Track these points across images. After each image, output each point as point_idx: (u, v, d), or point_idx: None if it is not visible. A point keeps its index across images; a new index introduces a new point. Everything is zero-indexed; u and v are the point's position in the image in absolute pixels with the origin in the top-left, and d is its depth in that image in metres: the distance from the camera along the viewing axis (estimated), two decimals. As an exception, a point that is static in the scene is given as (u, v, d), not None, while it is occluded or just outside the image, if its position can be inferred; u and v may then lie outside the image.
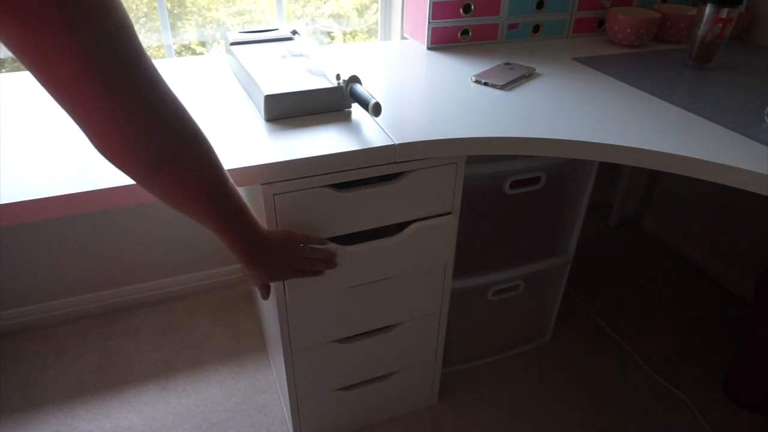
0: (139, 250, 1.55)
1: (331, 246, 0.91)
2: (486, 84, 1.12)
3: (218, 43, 1.45)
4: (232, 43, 1.13)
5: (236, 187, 0.70)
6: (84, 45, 0.46)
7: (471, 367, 1.45)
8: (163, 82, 0.55)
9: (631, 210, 2.11)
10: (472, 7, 1.32)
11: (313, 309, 1.01)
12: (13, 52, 0.46)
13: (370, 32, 1.59)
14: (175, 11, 1.38)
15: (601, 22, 1.48)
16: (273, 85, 0.93)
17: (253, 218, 0.73)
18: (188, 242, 1.59)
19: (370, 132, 0.90)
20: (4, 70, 1.31)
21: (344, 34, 1.57)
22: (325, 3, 1.51)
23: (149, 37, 1.38)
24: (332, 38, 1.57)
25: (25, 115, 0.93)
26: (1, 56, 1.29)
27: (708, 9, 1.17)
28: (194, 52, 1.45)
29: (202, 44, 1.45)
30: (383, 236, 0.97)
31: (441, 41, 1.35)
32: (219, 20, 1.43)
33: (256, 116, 0.95)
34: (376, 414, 1.28)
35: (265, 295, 0.86)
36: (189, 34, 1.42)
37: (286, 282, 0.93)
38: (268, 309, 1.14)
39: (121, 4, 0.49)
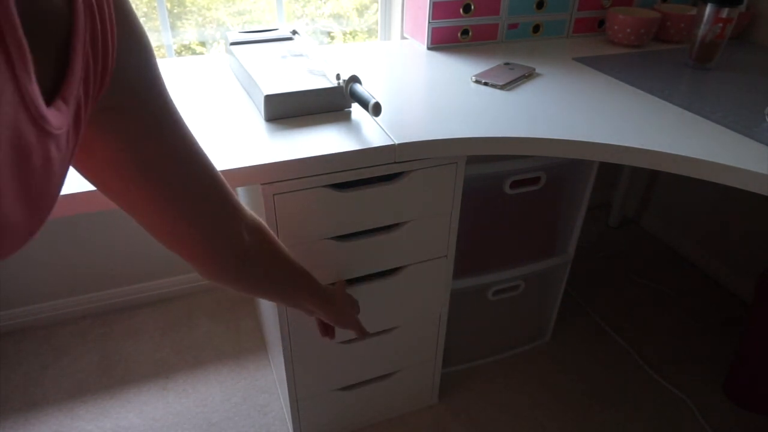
0: (139, 250, 1.55)
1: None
2: (486, 84, 1.12)
3: (218, 43, 1.45)
4: (232, 43, 1.13)
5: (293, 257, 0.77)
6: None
7: (471, 367, 1.45)
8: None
9: (631, 210, 2.11)
10: (472, 7, 1.32)
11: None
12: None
13: (370, 32, 1.59)
14: (175, 11, 1.38)
15: (601, 22, 1.48)
16: (273, 85, 0.93)
17: (324, 286, 0.85)
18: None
19: (370, 132, 0.90)
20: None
21: (344, 34, 1.57)
22: (325, 3, 1.50)
23: (149, 37, 1.38)
24: (332, 38, 1.57)
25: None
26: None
27: (708, 9, 1.17)
28: (194, 52, 1.45)
29: (202, 44, 1.45)
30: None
31: (441, 41, 1.35)
32: (219, 20, 1.43)
33: (256, 116, 0.95)
34: (376, 414, 1.28)
35: (364, 332, 0.98)
36: (189, 34, 1.42)
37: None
38: (268, 310, 1.14)
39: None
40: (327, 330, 0.99)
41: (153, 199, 0.49)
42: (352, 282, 1.01)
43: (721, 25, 1.17)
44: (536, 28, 1.42)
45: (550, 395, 1.39)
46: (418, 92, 1.09)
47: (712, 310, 1.68)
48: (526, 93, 1.09)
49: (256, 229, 0.65)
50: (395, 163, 0.89)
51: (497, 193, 1.15)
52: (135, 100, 0.43)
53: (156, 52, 1.40)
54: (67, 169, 0.36)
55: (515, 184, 1.15)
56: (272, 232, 0.70)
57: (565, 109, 1.01)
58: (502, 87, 1.11)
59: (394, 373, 1.21)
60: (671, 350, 1.53)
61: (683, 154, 0.85)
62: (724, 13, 1.16)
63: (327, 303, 0.85)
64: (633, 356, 1.51)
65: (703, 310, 1.68)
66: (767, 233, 1.60)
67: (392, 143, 0.87)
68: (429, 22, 1.31)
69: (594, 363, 1.49)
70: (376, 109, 0.87)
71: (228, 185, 0.58)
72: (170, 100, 0.48)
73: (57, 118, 0.30)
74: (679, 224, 1.92)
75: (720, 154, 0.84)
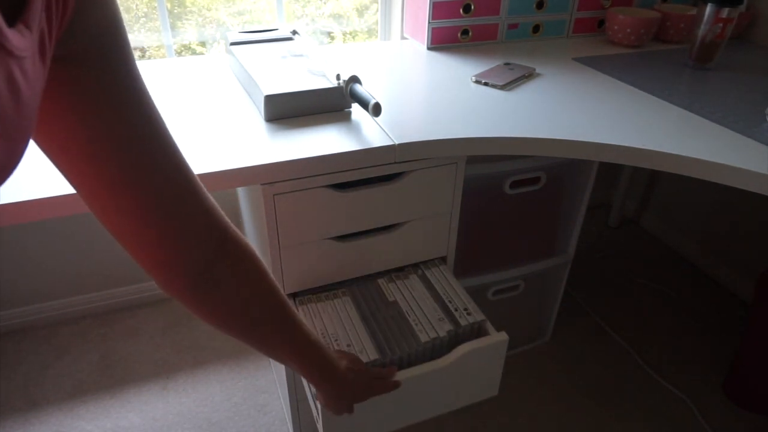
0: (139, 250, 1.54)
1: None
2: (486, 84, 1.12)
3: (218, 43, 1.45)
4: (232, 43, 1.13)
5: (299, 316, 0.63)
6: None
7: (471, 367, 1.45)
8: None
9: (631, 210, 2.11)
10: (472, 7, 1.32)
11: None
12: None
13: (370, 32, 1.59)
14: (175, 11, 1.38)
15: (601, 22, 1.48)
16: (273, 85, 0.93)
17: (327, 351, 0.67)
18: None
19: (370, 132, 0.90)
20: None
21: (344, 34, 1.57)
22: (325, 3, 1.51)
23: (149, 37, 1.38)
24: (332, 38, 1.57)
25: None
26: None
27: (708, 9, 1.17)
28: (194, 52, 1.45)
29: (202, 44, 1.45)
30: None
31: (441, 41, 1.35)
32: (219, 20, 1.43)
33: (256, 116, 0.95)
34: (376, 414, 1.27)
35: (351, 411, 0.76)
36: (189, 34, 1.42)
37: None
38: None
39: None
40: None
41: (106, 183, 0.43)
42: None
43: (721, 25, 1.17)
44: (536, 28, 1.42)
45: (550, 395, 1.39)
46: (418, 92, 1.09)
47: (712, 310, 1.68)
48: (526, 93, 1.09)
49: (237, 245, 0.54)
50: (395, 163, 0.89)
51: (497, 193, 1.15)
52: (95, 53, 0.39)
53: (156, 52, 1.40)
54: (35, 105, 0.34)
55: (515, 184, 1.15)
56: (259, 258, 0.57)
57: (565, 109, 1.01)
58: (502, 87, 1.11)
59: (394, 373, 1.20)
60: (671, 350, 1.53)
61: (683, 154, 0.85)
62: (724, 13, 1.16)
63: (324, 379, 0.67)
64: (633, 356, 1.51)
65: (703, 310, 1.68)
66: (767, 233, 1.60)
67: (392, 143, 0.87)
68: (429, 22, 1.31)
69: (594, 363, 1.49)
70: (376, 110, 0.87)
71: (206, 193, 0.50)
72: (137, 75, 0.43)
73: (19, 40, 0.30)
74: (679, 224, 1.92)
75: (720, 154, 0.84)
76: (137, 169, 0.43)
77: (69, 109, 0.39)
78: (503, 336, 0.88)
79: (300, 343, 0.63)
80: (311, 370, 0.66)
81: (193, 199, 0.48)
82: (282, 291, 0.60)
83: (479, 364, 0.88)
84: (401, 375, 0.80)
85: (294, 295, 0.97)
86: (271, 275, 0.58)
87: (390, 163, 0.89)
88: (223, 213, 0.52)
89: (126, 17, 1.33)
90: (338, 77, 0.94)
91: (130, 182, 0.43)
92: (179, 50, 1.43)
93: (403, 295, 0.96)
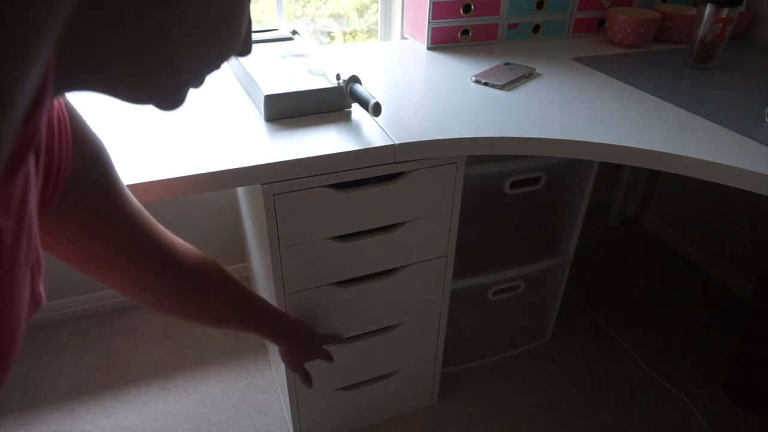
0: (139, 250, 1.54)
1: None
2: (486, 84, 1.12)
3: (218, 43, 1.45)
4: (232, 43, 1.13)
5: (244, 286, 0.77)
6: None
7: (471, 367, 1.45)
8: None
9: (631, 210, 2.11)
10: (472, 7, 1.32)
11: (313, 309, 1.01)
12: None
13: (370, 32, 1.59)
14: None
15: (601, 22, 1.48)
16: (273, 85, 0.93)
17: (273, 309, 0.83)
18: (188, 241, 1.59)
19: (370, 132, 0.90)
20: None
21: (344, 34, 1.57)
22: (325, 3, 1.50)
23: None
24: (332, 38, 1.57)
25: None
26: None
27: (708, 9, 1.17)
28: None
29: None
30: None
31: (441, 41, 1.35)
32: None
33: (256, 116, 0.95)
34: (376, 414, 1.28)
35: (309, 383, 0.98)
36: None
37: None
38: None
39: None
40: (306, 377, 0.98)
41: (96, 267, 0.54)
42: (352, 282, 1.01)
43: (721, 25, 1.17)
44: (536, 28, 1.42)
45: (550, 395, 1.39)
46: (418, 92, 1.09)
47: (712, 310, 1.68)
48: (526, 93, 1.09)
49: (194, 265, 0.67)
50: (395, 163, 0.89)
51: (497, 193, 1.15)
52: (89, 192, 0.48)
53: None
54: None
55: (515, 184, 1.15)
56: (219, 265, 0.73)
57: (565, 109, 1.01)
58: (502, 87, 1.11)
59: (394, 373, 1.21)
60: (671, 350, 1.53)
61: (683, 154, 0.85)
62: (724, 13, 1.16)
63: (282, 334, 0.85)
64: (633, 356, 1.51)
65: (703, 310, 1.68)
66: (767, 233, 1.60)
67: (392, 143, 0.87)
68: (429, 22, 1.31)
69: (594, 363, 1.49)
70: (376, 109, 0.87)
71: (164, 237, 0.61)
72: (123, 189, 0.53)
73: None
74: (679, 224, 1.92)
75: (720, 154, 0.84)
76: (126, 257, 0.56)
77: (68, 235, 0.49)
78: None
79: (264, 316, 0.80)
80: (274, 332, 0.84)
81: (159, 252, 0.60)
82: (239, 283, 0.75)
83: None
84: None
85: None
86: (230, 274, 0.74)
87: (390, 163, 0.89)
88: (178, 243, 0.65)
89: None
90: (338, 77, 0.94)
91: (120, 264, 0.56)
92: (179, 50, 1.43)
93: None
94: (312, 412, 1.17)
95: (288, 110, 0.93)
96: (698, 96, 1.07)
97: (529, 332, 1.51)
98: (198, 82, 0.35)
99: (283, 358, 0.94)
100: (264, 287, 1.11)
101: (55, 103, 0.40)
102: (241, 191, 1.19)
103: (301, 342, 0.91)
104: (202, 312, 0.71)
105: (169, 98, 0.34)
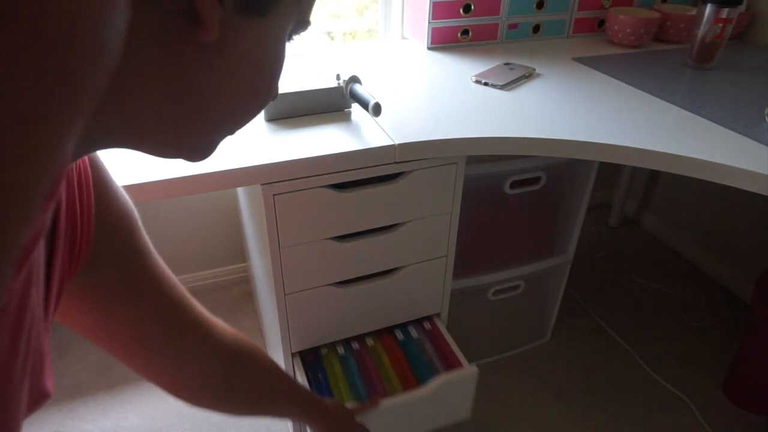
0: (139, 250, 1.54)
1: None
2: (486, 84, 1.12)
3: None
4: (232, 43, 1.13)
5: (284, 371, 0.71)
6: None
7: (471, 367, 1.45)
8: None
9: (631, 210, 2.11)
10: (472, 7, 1.32)
11: (313, 309, 1.01)
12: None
13: (370, 32, 1.59)
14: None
15: (601, 22, 1.48)
16: (273, 85, 0.93)
17: (311, 395, 0.76)
18: (188, 242, 1.59)
19: (370, 132, 0.90)
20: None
21: (344, 34, 1.57)
22: (325, 3, 1.51)
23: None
24: (332, 38, 1.57)
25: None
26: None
27: (708, 9, 1.17)
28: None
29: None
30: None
31: (441, 41, 1.35)
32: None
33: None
34: (376, 414, 1.27)
35: None
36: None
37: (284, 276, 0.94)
38: (268, 309, 1.14)
39: None
40: None
41: (129, 351, 0.51)
42: (352, 282, 1.01)
43: (721, 25, 1.17)
44: (536, 28, 1.42)
45: (550, 395, 1.39)
46: (418, 92, 1.09)
47: (712, 310, 1.68)
48: (526, 93, 1.09)
49: (241, 354, 0.60)
50: (395, 163, 0.89)
51: (497, 193, 1.15)
52: (119, 262, 0.44)
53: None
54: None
55: (515, 184, 1.15)
56: (257, 347, 0.64)
57: (565, 109, 1.01)
58: (502, 87, 1.11)
59: (394, 373, 1.20)
60: (671, 350, 1.53)
61: (683, 154, 0.85)
62: (724, 13, 1.16)
63: (315, 419, 0.76)
64: (633, 356, 1.51)
65: (703, 310, 1.68)
66: (767, 233, 1.60)
67: (392, 143, 0.87)
68: (429, 22, 1.31)
69: (594, 363, 1.49)
70: (376, 110, 0.87)
71: (207, 320, 0.55)
72: (153, 256, 0.47)
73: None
74: (679, 224, 1.92)
75: (720, 154, 0.84)
76: (162, 334, 0.50)
77: (93, 310, 0.44)
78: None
79: (301, 401, 0.72)
80: (309, 414, 0.74)
81: (197, 337, 0.54)
82: (280, 366, 0.68)
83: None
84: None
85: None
86: (269, 357, 0.66)
87: (390, 163, 0.89)
88: (223, 328, 0.58)
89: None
90: (338, 77, 0.94)
91: (155, 342, 0.51)
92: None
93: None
94: (312, 412, 1.17)
95: (288, 110, 0.93)
96: (698, 96, 1.07)
97: (529, 332, 1.51)
98: (232, 132, 0.34)
99: None
100: (264, 287, 1.11)
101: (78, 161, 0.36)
102: (241, 191, 1.19)
103: (339, 422, 0.80)
104: (247, 400, 0.63)
105: (203, 150, 0.34)
